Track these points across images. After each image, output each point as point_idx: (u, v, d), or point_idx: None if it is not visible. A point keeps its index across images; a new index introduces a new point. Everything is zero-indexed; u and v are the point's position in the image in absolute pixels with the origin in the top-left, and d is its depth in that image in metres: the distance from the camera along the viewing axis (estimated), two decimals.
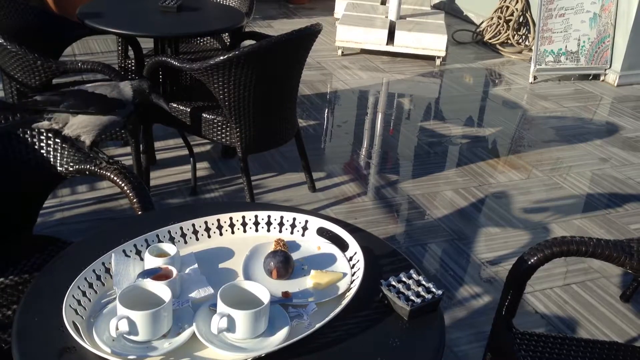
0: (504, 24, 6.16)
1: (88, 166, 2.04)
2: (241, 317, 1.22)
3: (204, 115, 3.10)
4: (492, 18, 6.26)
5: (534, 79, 5.44)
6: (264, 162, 3.79)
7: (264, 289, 1.28)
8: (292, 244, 1.57)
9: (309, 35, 2.96)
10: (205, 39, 4.02)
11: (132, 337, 1.22)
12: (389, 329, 1.33)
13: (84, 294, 1.31)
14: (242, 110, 2.97)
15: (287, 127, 3.24)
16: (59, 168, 2.08)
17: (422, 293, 1.38)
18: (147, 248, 1.43)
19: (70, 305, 1.25)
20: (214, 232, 1.58)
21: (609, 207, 3.60)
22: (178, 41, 3.62)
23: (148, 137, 3.40)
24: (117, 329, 1.19)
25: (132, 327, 1.20)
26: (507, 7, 6.16)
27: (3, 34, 2.86)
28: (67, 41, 3.50)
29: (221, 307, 1.23)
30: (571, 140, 4.41)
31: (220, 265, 1.49)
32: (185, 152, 3.66)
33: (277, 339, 1.26)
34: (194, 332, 1.24)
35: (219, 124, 3.07)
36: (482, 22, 6.38)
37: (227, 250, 1.55)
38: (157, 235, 1.50)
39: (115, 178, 1.98)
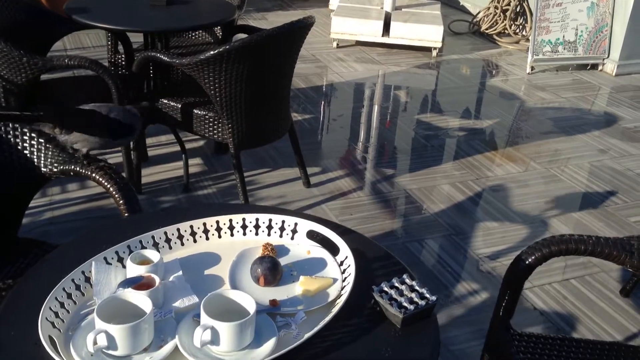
0: (501, 13, 6.09)
1: (73, 167, 1.98)
2: (226, 329, 1.16)
3: (195, 111, 3.04)
4: (488, 8, 6.19)
5: (532, 70, 5.38)
6: (257, 157, 3.73)
7: (249, 298, 1.23)
8: (280, 248, 1.52)
9: (301, 28, 2.90)
10: (196, 32, 3.96)
11: (111, 352, 1.16)
12: (381, 338, 1.28)
13: (62, 305, 1.26)
14: (234, 105, 2.91)
15: (281, 122, 3.18)
16: (43, 169, 2.02)
17: (416, 299, 1.32)
18: (129, 255, 1.37)
19: (46, 318, 1.20)
20: (200, 237, 1.53)
21: (608, 200, 3.55)
22: (168, 35, 3.55)
23: (139, 134, 3.34)
24: (95, 343, 1.13)
25: (110, 342, 1.14)
26: None
27: None
28: (56, 36, 3.43)
29: (204, 318, 1.17)
30: (569, 132, 4.36)
31: (206, 272, 1.43)
32: (178, 148, 3.60)
33: (264, 351, 1.20)
34: (177, 345, 1.19)
35: (211, 120, 3.01)
36: (479, 12, 6.30)
37: (213, 255, 1.49)
38: (140, 241, 1.45)
39: (100, 179, 1.92)
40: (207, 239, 1.54)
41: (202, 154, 3.73)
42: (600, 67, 5.50)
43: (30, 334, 1.20)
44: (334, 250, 1.50)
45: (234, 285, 1.37)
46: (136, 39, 3.58)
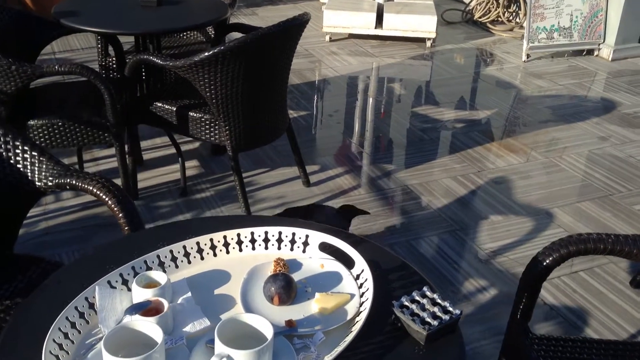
0: (494, 1, 6.01)
1: (68, 180, 1.91)
2: (243, 358, 1.09)
3: (191, 114, 2.96)
4: None
5: (527, 57, 5.31)
6: (255, 157, 3.65)
7: (265, 322, 1.16)
8: (292, 262, 1.45)
9: (296, 26, 2.82)
10: (188, 32, 3.87)
11: None
12: (405, 356, 1.21)
13: (65, 335, 1.18)
14: (230, 107, 2.83)
15: (278, 122, 3.11)
16: (37, 183, 1.95)
17: (439, 314, 1.26)
18: (134, 277, 1.30)
19: (50, 352, 1.13)
20: (207, 253, 1.45)
21: (611, 188, 3.50)
22: (160, 37, 3.46)
23: (133, 138, 3.26)
24: None
25: None
26: None
27: None
28: (45, 41, 3.33)
29: (219, 347, 1.10)
30: (568, 120, 4.30)
31: (216, 292, 1.36)
32: (173, 150, 3.52)
33: None
34: None
35: (207, 122, 2.94)
36: (472, 1, 6.23)
37: (222, 273, 1.42)
38: (145, 262, 1.37)
39: (97, 192, 1.84)
40: (215, 255, 1.46)
41: (199, 156, 3.65)
42: (596, 53, 5.45)
43: None
44: (348, 262, 1.43)
45: (247, 305, 1.30)
46: (126, 40, 3.49)
